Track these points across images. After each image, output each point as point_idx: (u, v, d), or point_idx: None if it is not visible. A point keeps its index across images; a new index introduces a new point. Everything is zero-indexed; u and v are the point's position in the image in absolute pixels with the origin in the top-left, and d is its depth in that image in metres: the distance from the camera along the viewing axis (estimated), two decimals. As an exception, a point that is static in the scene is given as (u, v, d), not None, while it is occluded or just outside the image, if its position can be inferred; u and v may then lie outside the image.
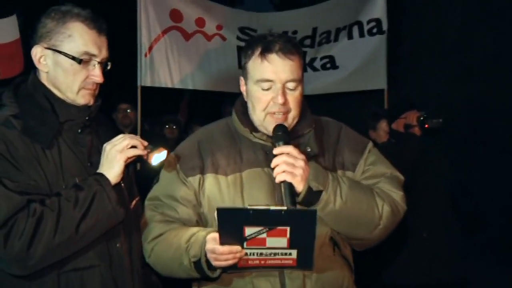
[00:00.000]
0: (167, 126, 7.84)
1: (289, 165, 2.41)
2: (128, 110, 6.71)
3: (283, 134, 2.51)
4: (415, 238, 4.88)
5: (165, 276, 2.71)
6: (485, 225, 6.85)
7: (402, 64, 7.83)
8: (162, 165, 2.63)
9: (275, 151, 2.45)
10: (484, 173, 6.79)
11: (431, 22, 7.76)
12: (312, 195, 2.46)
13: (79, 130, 2.49)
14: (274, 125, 2.54)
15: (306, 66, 6.74)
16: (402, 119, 5.16)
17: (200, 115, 8.43)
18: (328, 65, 6.86)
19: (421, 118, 5.01)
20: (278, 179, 2.42)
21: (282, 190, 2.43)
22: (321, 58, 6.87)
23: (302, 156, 2.45)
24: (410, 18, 7.95)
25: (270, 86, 2.54)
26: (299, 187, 2.43)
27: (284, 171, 2.40)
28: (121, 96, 6.69)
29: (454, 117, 6.80)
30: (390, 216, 2.58)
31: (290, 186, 2.41)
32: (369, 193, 2.59)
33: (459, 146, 6.83)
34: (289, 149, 2.44)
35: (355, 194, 2.53)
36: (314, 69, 6.85)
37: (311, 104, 2.79)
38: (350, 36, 6.82)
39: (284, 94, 2.53)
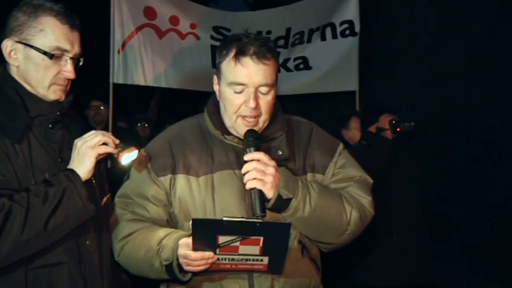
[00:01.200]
0: (139, 124, 7.81)
1: (259, 172, 2.41)
2: (101, 107, 6.66)
3: (254, 140, 2.50)
4: (386, 240, 4.93)
5: (135, 275, 2.71)
6: (454, 229, 6.95)
7: (375, 66, 7.90)
8: (132, 164, 2.63)
9: (245, 157, 2.45)
10: (457, 177, 6.88)
11: (405, 25, 7.84)
12: (282, 202, 2.47)
13: (50, 126, 2.47)
14: (245, 129, 2.54)
15: (280, 66, 6.76)
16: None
17: (171, 113, 8.39)
18: (302, 66, 6.89)
19: (393, 122, 5.07)
20: (248, 186, 2.42)
21: (252, 197, 2.43)
22: (295, 59, 6.89)
23: (273, 163, 2.45)
24: (383, 20, 8.02)
25: (243, 89, 2.53)
26: (269, 194, 2.44)
27: (254, 178, 2.41)
28: (93, 93, 6.63)
29: (426, 121, 6.88)
30: (358, 221, 2.60)
31: (260, 193, 2.41)
32: (338, 199, 2.60)
33: (432, 150, 6.91)
34: (260, 155, 2.44)
35: (324, 201, 2.54)
36: (288, 70, 6.88)
37: (284, 104, 2.79)
38: (323, 37, 6.86)
39: (256, 98, 2.52)
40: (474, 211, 6.83)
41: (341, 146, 2.81)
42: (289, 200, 2.47)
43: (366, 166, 2.86)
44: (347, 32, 6.76)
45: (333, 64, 6.81)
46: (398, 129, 5.09)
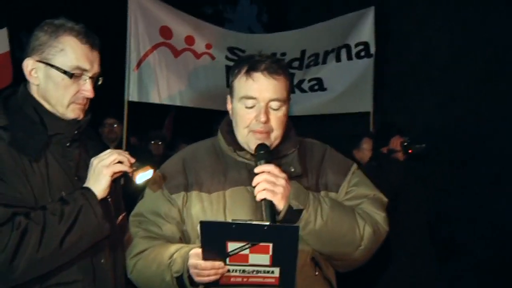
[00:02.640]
0: (152, 142, 7.82)
1: (269, 183, 2.41)
2: (115, 125, 6.68)
3: (264, 153, 2.52)
4: (393, 262, 4.91)
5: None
6: (467, 253, 6.88)
7: (389, 87, 7.89)
8: (146, 183, 2.64)
9: (256, 170, 2.46)
10: (469, 199, 6.83)
11: (418, 47, 7.84)
12: (293, 214, 2.46)
13: (68, 144, 2.49)
14: (256, 144, 2.56)
15: (294, 87, 6.78)
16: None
17: (185, 131, 8.42)
18: (316, 87, 6.90)
19: (405, 144, 5.06)
20: (259, 197, 2.43)
21: (263, 208, 2.44)
22: (309, 80, 6.91)
23: (283, 175, 2.46)
24: (397, 42, 8.02)
25: (254, 104, 2.57)
26: (280, 205, 2.44)
27: (264, 189, 2.41)
28: (107, 110, 6.67)
29: (439, 142, 6.85)
30: (372, 237, 2.59)
31: (270, 204, 2.42)
32: (351, 213, 2.59)
33: (443, 170, 6.87)
34: (270, 167, 2.45)
35: (336, 215, 2.53)
36: (302, 91, 6.89)
37: (297, 125, 2.81)
38: (338, 59, 6.87)
39: (266, 113, 2.56)
40: (485, 234, 6.77)
41: (354, 165, 2.82)
42: (300, 212, 2.46)
43: (376, 187, 2.85)
44: (362, 53, 6.77)
45: (348, 85, 6.83)
46: (409, 151, 5.08)
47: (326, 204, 2.53)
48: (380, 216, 2.66)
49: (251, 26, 16.76)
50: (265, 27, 17.42)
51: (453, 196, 6.67)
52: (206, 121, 8.37)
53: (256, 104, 2.57)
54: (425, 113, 7.62)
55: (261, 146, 2.55)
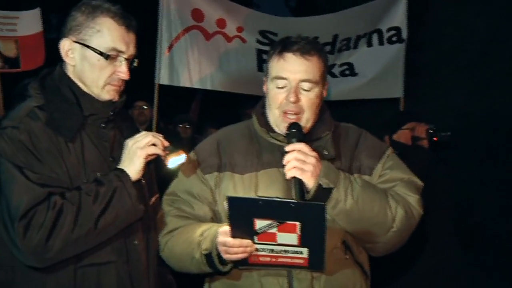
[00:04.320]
0: (180, 125, 7.84)
1: (299, 161, 2.42)
2: (144, 107, 6.71)
3: (296, 132, 2.53)
4: (418, 252, 4.87)
5: (180, 276, 2.73)
6: (491, 241, 6.81)
7: (420, 74, 7.78)
8: (179, 168, 2.65)
9: (287, 148, 2.47)
10: (500, 187, 6.73)
11: (453, 34, 7.71)
12: (323, 193, 2.46)
13: (103, 125, 2.50)
14: (286, 124, 2.57)
15: (325, 72, 6.71)
16: (405, 130, 5.14)
17: (212, 115, 8.42)
18: (347, 72, 6.81)
19: (430, 131, 4.99)
20: (288, 175, 2.43)
21: (293, 185, 2.44)
22: (340, 65, 6.82)
23: (313, 153, 2.46)
24: (430, 28, 7.89)
25: (285, 84, 2.59)
26: (309, 183, 2.44)
27: (294, 167, 2.41)
28: (137, 93, 6.68)
29: (470, 130, 6.76)
30: (404, 219, 2.56)
31: (299, 182, 2.42)
32: (383, 195, 2.58)
33: (475, 159, 6.78)
34: (301, 146, 2.46)
35: (367, 195, 2.52)
36: (333, 75, 6.81)
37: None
38: (369, 44, 6.77)
39: (296, 93, 2.57)
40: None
41: (390, 149, 2.81)
42: (330, 191, 2.46)
43: None
44: (394, 38, 6.66)
45: (379, 71, 6.73)
46: (435, 139, 5.01)
47: (357, 184, 2.53)
48: (413, 198, 2.64)
49: (279, 11, 16.66)
50: (293, 12, 17.27)
51: (484, 185, 6.59)
52: (232, 105, 8.37)
53: (287, 85, 2.58)
54: (456, 102, 7.51)
55: (292, 125, 2.56)
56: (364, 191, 2.52)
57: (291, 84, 2.57)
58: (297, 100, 2.57)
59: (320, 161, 2.48)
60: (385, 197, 2.57)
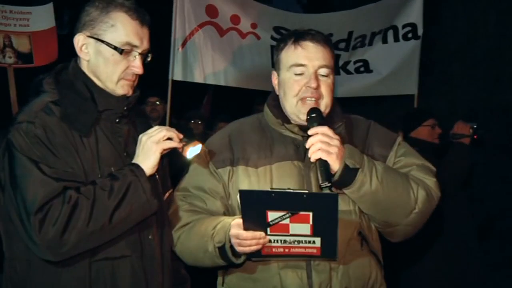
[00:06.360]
0: (192, 121, 7.84)
1: (324, 143, 2.43)
2: (157, 103, 6.71)
3: (317, 116, 2.55)
4: (439, 249, 4.85)
5: (193, 271, 2.74)
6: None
7: (433, 70, 7.74)
8: (191, 160, 2.65)
9: (310, 132, 2.48)
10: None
11: (464, 28, 7.66)
12: (348, 174, 2.47)
13: (117, 120, 2.50)
14: (306, 110, 2.58)
15: (340, 69, 6.68)
16: (425, 127, 5.12)
17: (223, 111, 8.40)
18: (362, 69, 6.78)
19: (474, 128, 4.97)
20: (314, 157, 2.44)
21: (317, 168, 2.44)
22: (355, 62, 6.79)
23: (337, 136, 2.48)
24: (443, 24, 7.85)
25: (303, 71, 2.61)
26: (335, 165, 2.45)
27: (319, 149, 2.42)
28: (149, 89, 6.67)
29: (482, 126, 6.72)
30: (426, 200, 2.58)
31: (325, 163, 2.42)
32: (404, 176, 2.60)
33: (489, 155, 6.74)
34: (324, 129, 2.47)
35: (390, 176, 2.55)
36: (348, 72, 6.78)
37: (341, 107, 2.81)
38: (384, 40, 6.73)
39: (317, 79, 2.59)
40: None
41: (400, 137, 2.84)
42: (355, 172, 2.47)
43: (441, 172, 2.87)
44: (410, 35, 6.62)
45: (394, 68, 6.69)
46: (475, 136, 4.99)
47: (380, 166, 2.55)
48: (431, 181, 2.67)
49: (290, 7, 16.57)
50: (304, 9, 17.18)
51: (496, 178, 6.55)
52: (244, 101, 8.34)
53: (305, 72, 2.61)
54: (469, 97, 7.47)
55: (313, 110, 2.57)
56: (387, 173, 2.55)
57: (309, 71, 2.60)
58: (318, 86, 2.59)
59: (343, 145, 2.50)
60: (407, 179, 2.60)
